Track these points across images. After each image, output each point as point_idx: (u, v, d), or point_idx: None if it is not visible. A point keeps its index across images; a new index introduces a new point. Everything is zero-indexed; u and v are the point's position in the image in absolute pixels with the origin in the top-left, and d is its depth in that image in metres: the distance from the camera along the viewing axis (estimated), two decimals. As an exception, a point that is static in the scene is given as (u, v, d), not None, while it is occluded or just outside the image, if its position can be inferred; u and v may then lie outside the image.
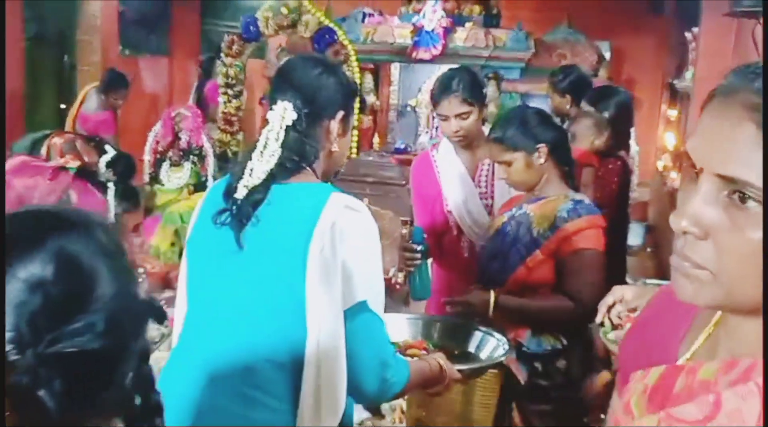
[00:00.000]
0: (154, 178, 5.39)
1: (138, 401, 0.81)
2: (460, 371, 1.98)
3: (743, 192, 0.78)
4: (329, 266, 1.57)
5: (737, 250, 0.78)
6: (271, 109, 1.73)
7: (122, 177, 4.85)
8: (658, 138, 8.76)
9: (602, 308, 1.92)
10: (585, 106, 3.65)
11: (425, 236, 2.71)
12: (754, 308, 0.79)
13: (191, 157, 5.33)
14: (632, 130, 3.75)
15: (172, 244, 5.24)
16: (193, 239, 1.81)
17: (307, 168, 1.73)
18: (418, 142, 12.09)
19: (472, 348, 2.29)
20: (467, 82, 2.85)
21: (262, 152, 1.67)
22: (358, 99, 5.53)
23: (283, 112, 1.68)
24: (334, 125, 1.76)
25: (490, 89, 9.67)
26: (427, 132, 12.15)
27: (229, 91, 5.77)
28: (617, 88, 3.80)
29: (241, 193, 1.66)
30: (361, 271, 1.61)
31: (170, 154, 5.36)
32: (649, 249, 7.02)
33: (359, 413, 3.38)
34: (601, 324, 1.93)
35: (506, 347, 2.22)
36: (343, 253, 1.58)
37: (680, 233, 0.82)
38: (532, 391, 2.47)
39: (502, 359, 2.20)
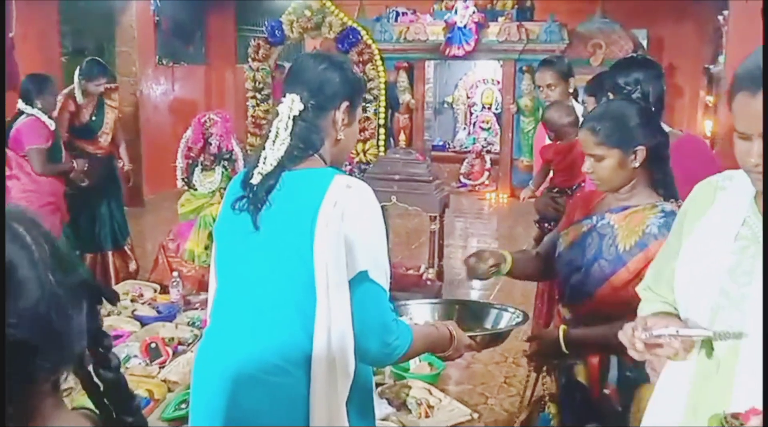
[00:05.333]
0: (188, 183, 5.47)
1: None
2: (472, 337, 2.11)
3: None
4: (334, 241, 1.73)
5: None
6: (281, 101, 1.88)
7: None
8: (698, 124, 8.60)
9: (623, 340, 1.64)
10: (585, 96, 3.59)
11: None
12: None
13: (222, 161, 5.38)
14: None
15: (206, 247, 5.32)
16: (219, 227, 1.98)
17: (315, 155, 1.86)
18: (456, 138, 12.09)
19: (488, 325, 2.38)
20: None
21: (273, 141, 1.83)
22: (380, 96, 5.58)
23: (291, 104, 1.84)
24: (339, 115, 1.88)
25: (525, 83, 9.64)
26: (464, 128, 12.14)
27: (258, 95, 5.84)
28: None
29: (256, 179, 1.83)
30: (362, 244, 1.76)
31: (202, 159, 5.43)
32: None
33: (384, 409, 3.40)
34: None
35: (519, 318, 2.31)
36: (345, 228, 1.73)
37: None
38: None
39: (514, 327, 2.28)
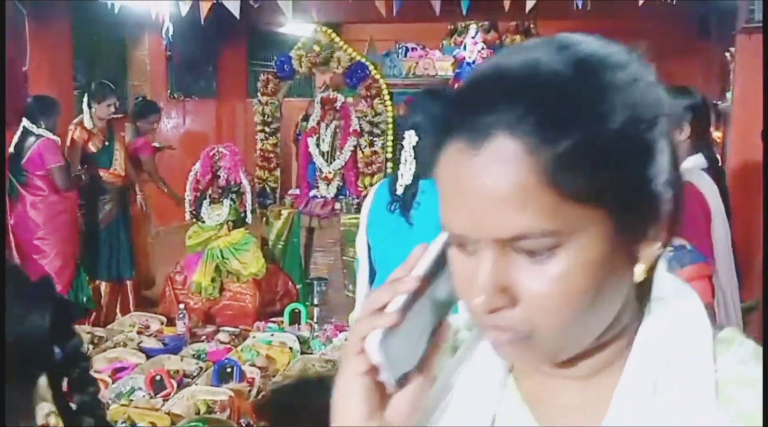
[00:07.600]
0: (196, 216, 5.50)
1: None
2: None
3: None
4: None
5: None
6: (403, 136, 2.54)
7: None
8: (707, 161, 8.57)
9: None
10: None
11: None
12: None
13: (230, 194, 5.43)
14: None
15: (213, 279, 5.34)
16: (374, 227, 2.63)
17: None
18: (465, 173, 12.11)
19: None
20: None
21: (404, 163, 2.51)
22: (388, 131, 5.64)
23: (410, 138, 2.49)
24: None
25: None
26: (473, 163, 12.17)
27: (266, 129, 5.88)
28: None
29: (399, 190, 2.52)
30: None
31: (210, 191, 5.47)
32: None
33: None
34: None
35: None
36: None
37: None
38: None
39: None
